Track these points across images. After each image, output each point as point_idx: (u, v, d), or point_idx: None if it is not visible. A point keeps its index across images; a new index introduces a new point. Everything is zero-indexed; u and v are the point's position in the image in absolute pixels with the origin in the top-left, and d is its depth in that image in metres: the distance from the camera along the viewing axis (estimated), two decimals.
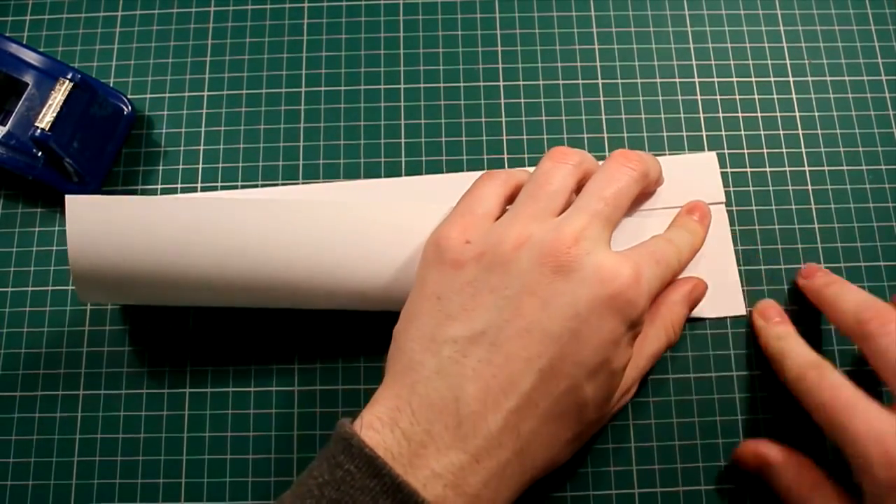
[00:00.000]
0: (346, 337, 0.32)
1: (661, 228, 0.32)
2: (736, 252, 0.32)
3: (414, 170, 0.34)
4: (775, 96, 0.35)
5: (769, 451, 0.28)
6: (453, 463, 0.22)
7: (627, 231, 0.32)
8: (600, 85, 0.35)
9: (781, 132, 0.34)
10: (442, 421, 0.23)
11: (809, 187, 0.34)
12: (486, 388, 0.23)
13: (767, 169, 0.34)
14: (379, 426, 0.23)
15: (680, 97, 0.35)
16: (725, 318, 0.32)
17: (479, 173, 0.33)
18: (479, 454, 0.23)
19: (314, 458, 0.24)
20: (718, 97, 0.35)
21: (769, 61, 0.35)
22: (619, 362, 0.25)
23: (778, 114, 0.35)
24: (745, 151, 0.34)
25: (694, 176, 0.33)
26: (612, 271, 0.24)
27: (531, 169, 0.28)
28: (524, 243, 0.25)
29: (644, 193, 0.31)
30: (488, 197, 0.27)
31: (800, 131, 0.34)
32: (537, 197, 0.26)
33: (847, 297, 0.29)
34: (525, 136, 0.34)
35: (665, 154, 0.34)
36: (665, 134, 0.34)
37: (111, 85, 0.35)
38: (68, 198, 0.27)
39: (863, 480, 0.24)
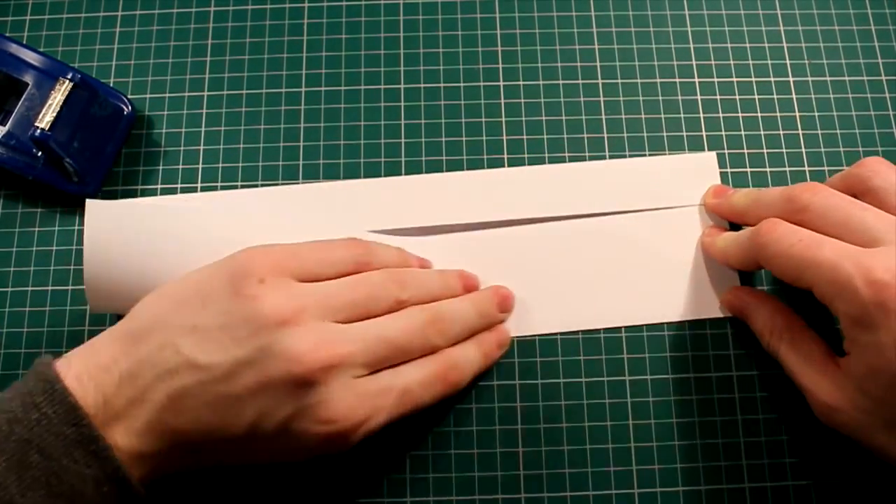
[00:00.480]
0: None
1: (661, 228, 0.32)
2: None
3: (414, 170, 0.34)
4: (775, 96, 0.35)
5: (747, 294, 0.30)
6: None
7: (626, 230, 0.32)
8: (600, 85, 0.35)
9: (781, 132, 0.34)
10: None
11: None
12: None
13: (767, 169, 0.34)
14: (86, 380, 0.23)
15: (680, 97, 0.35)
16: (726, 318, 0.32)
17: (479, 172, 0.33)
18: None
19: (6, 389, 0.24)
20: (718, 97, 0.35)
21: (769, 61, 0.35)
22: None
23: (778, 114, 0.35)
24: (745, 151, 0.34)
25: (694, 175, 0.33)
26: (330, 419, 0.25)
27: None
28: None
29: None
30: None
31: (800, 131, 0.34)
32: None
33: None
34: (525, 136, 0.34)
35: (665, 154, 0.34)
36: (665, 134, 0.34)
37: (111, 85, 0.35)
38: (89, 203, 0.28)
39: (841, 308, 0.24)
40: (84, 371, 0.24)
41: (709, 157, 0.34)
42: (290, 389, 0.24)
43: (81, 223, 0.33)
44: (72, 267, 0.33)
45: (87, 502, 0.22)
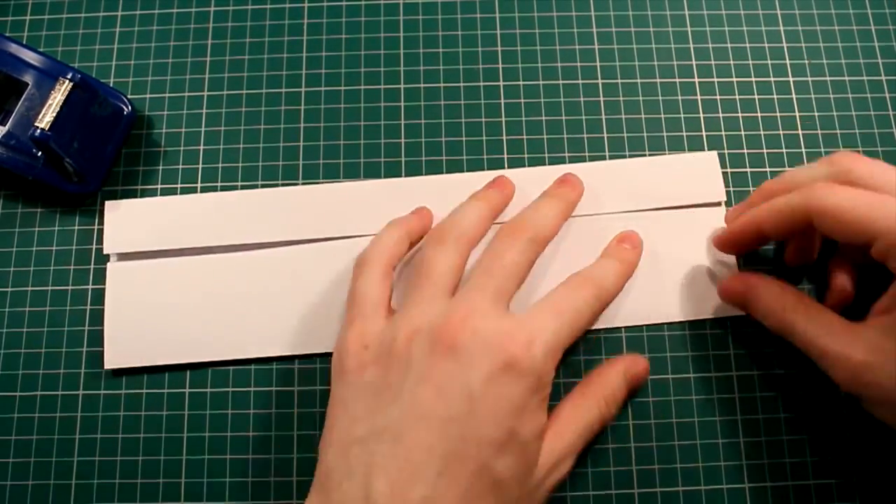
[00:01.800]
0: None
1: (661, 229, 0.32)
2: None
3: (414, 169, 0.34)
4: (775, 96, 0.35)
5: (751, 276, 0.29)
6: None
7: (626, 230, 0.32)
8: (600, 85, 0.35)
9: (781, 132, 0.34)
10: None
11: None
12: (393, 481, 0.23)
13: (767, 169, 0.34)
14: None
15: (680, 97, 0.35)
16: (726, 318, 0.32)
17: (482, 174, 0.33)
18: None
19: None
20: (718, 97, 0.35)
21: (769, 61, 0.35)
22: (528, 431, 0.24)
23: (778, 114, 0.35)
24: (745, 151, 0.34)
25: (694, 175, 0.33)
26: (501, 339, 0.24)
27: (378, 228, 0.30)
28: (415, 334, 0.25)
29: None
30: (371, 289, 0.28)
31: (800, 131, 0.34)
32: (422, 287, 0.27)
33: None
34: (525, 136, 0.34)
35: (665, 154, 0.34)
36: (665, 134, 0.34)
37: (111, 85, 0.35)
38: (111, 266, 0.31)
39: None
40: None
41: (709, 157, 0.34)
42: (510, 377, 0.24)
43: (81, 223, 0.33)
44: (72, 267, 0.33)
45: None
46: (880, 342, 0.25)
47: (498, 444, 0.24)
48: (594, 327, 0.32)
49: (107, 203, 0.33)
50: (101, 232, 0.33)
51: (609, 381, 0.29)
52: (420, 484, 0.23)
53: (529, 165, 0.34)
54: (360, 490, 0.23)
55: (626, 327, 0.32)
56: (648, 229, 0.32)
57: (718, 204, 0.33)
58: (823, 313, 0.27)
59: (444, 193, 0.32)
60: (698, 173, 0.33)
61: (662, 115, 0.35)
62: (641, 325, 0.32)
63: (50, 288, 0.33)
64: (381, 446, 0.24)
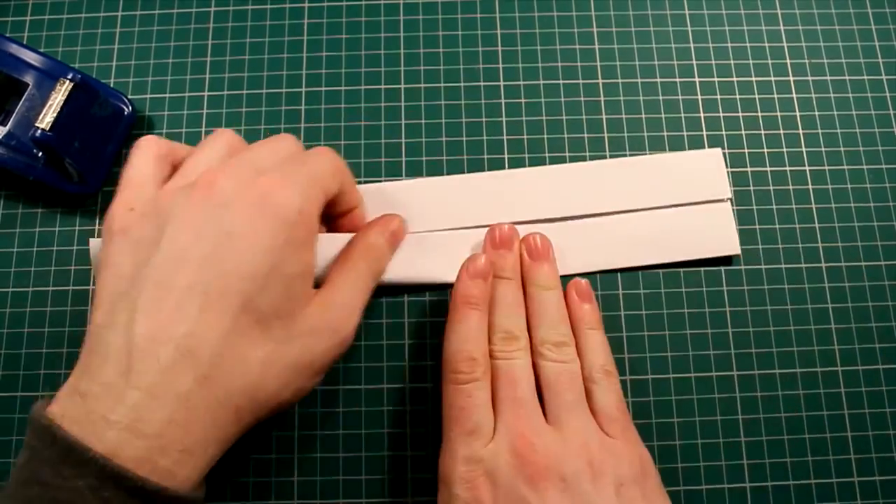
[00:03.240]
0: None
1: (668, 225, 0.32)
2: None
3: (415, 169, 0.34)
4: (775, 96, 0.35)
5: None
6: (127, 405, 0.22)
7: (628, 230, 0.32)
8: (600, 85, 0.35)
9: (782, 132, 0.34)
10: (114, 370, 0.22)
11: (810, 187, 0.34)
12: (155, 325, 0.23)
13: (768, 168, 0.34)
14: (62, 396, 0.23)
15: (680, 97, 0.35)
16: (726, 318, 0.32)
17: (481, 174, 0.33)
18: (153, 389, 0.22)
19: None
20: (719, 97, 0.35)
21: (769, 61, 0.35)
22: (291, 268, 0.25)
23: (778, 113, 0.35)
24: (746, 151, 0.34)
25: (700, 173, 0.33)
26: (258, 180, 0.25)
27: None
28: (176, 191, 0.25)
29: None
30: (143, 167, 0.28)
31: (800, 131, 0.34)
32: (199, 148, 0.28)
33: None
34: (525, 136, 0.34)
35: (666, 153, 0.34)
36: (665, 134, 0.34)
37: (111, 85, 0.35)
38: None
39: None
40: (60, 392, 0.23)
41: (714, 154, 0.33)
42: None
43: (82, 224, 0.33)
44: (72, 267, 0.33)
45: None
46: None
47: (260, 277, 0.24)
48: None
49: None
50: (101, 232, 0.33)
51: (372, 239, 0.30)
52: (182, 322, 0.23)
53: (530, 165, 0.34)
54: (121, 337, 0.23)
55: (625, 327, 0.32)
56: (654, 227, 0.32)
57: (724, 201, 0.33)
58: None
59: (450, 195, 0.32)
60: (704, 171, 0.33)
61: (663, 115, 0.35)
62: (642, 325, 0.32)
63: (50, 289, 0.33)
64: (144, 293, 0.23)
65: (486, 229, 0.32)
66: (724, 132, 0.34)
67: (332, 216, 0.30)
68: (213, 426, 0.23)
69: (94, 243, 0.31)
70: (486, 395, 0.27)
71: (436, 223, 0.32)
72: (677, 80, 0.35)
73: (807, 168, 0.34)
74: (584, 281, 0.31)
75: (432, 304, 0.32)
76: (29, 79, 0.32)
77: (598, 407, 0.27)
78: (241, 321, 0.24)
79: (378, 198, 0.32)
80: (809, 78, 0.35)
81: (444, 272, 0.32)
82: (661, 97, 0.35)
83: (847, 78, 0.35)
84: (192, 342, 0.23)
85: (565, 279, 0.32)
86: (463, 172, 0.34)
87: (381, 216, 0.31)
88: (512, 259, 0.31)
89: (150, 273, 0.24)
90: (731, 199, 0.33)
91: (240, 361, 0.24)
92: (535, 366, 0.28)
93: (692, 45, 0.36)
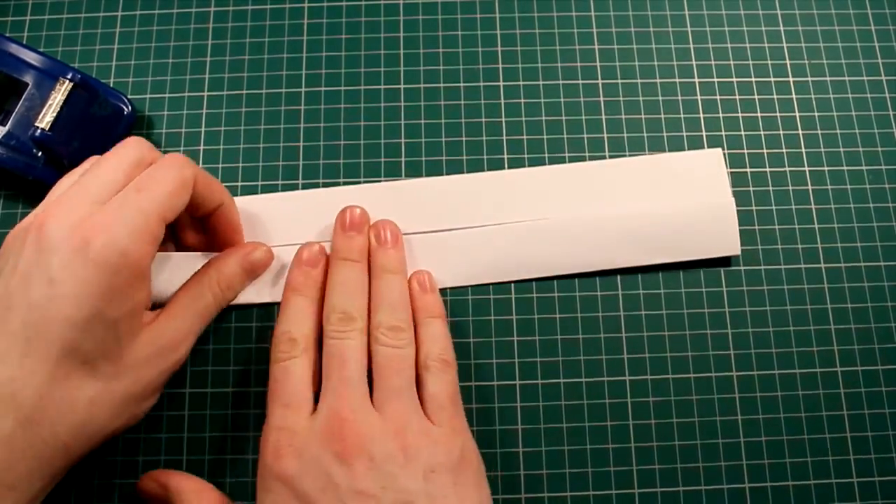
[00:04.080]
0: None
1: (669, 225, 0.32)
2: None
3: (414, 170, 0.34)
4: (775, 96, 0.35)
5: (171, 478, 0.28)
6: None
7: (629, 229, 0.32)
8: (600, 85, 0.35)
9: (781, 132, 0.34)
10: None
11: (809, 187, 0.34)
12: None
13: (767, 169, 0.34)
14: None
15: (680, 97, 0.35)
16: (725, 318, 0.32)
17: (482, 174, 0.33)
18: None
19: None
20: (718, 97, 0.35)
21: (769, 61, 0.35)
22: (115, 311, 0.25)
23: (778, 114, 0.35)
24: (745, 151, 0.34)
25: (700, 172, 0.33)
26: (82, 224, 0.25)
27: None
28: (20, 231, 0.26)
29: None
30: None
31: (800, 131, 0.34)
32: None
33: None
34: (525, 136, 0.34)
35: (666, 153, 0.34)
36: (665, 134, 0.34)
37: (111, 85, 0.35)
38: None
39: None
40: None
41: (714, 154, 0.33)
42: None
43: None
44: None
45: None
46: None
47: (81, 323, 0.24)
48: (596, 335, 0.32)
49: None
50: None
51: (226, 267, 0.30)
52: (5, 366, 0.24)
53: (529, 165, 0.34)
54: None
55: (625, 328, 0.32)
56: (655, 227, 0.32)
57: (725, 200, 0.33)
58: None
59: (449, 195, 0.32)
60: (703, 171, 0.33)
61: (662, 115, 0.35)
62: (642, 326, 0.32)
63: None
64: None
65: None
66: (723, 133, 0.34)
67: (201, 216, 0.30)
68: (39, 463, 0.24)
69: None
70: (305, 371, 0.28)
71: (423, 226, 0.32)
72: (677, 80, 0.35)
73: (806, 169, 0.34)
74: (427, 272, 0.31)
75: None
76: (28, 78, 0.32)
77: (427, 394, 0.28)
78: (64, 365, 0.24)
79: (390, 195, 0.33)
80: (809, 79, 0.35)
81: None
82: (660, 97, 0.35)
83: (847, 79, 0.35)
84: (14, 387, 0.24)
85: (566, 279, 0.32)
86: (462, 173, 0.34)
87: (246, 243, 0.31)
88: (360, 241, 0.31)
89: None
90: (732, 200, 0.33)
91: (65, 403, 0.25)
92: (370, 349, 0.28)
93: (692, 46, 0.36)
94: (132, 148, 0.28)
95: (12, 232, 0.26)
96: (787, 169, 0.34)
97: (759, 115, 0.35)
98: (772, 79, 0.35)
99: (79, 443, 0.25)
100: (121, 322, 0.25)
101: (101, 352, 0.25)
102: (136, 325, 0.26)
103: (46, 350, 0.24)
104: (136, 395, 0.27)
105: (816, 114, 0.35)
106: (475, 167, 0.34)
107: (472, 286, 0.32)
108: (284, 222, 0.33)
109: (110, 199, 0.26)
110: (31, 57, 0.33)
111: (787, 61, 0.35)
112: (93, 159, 0.29)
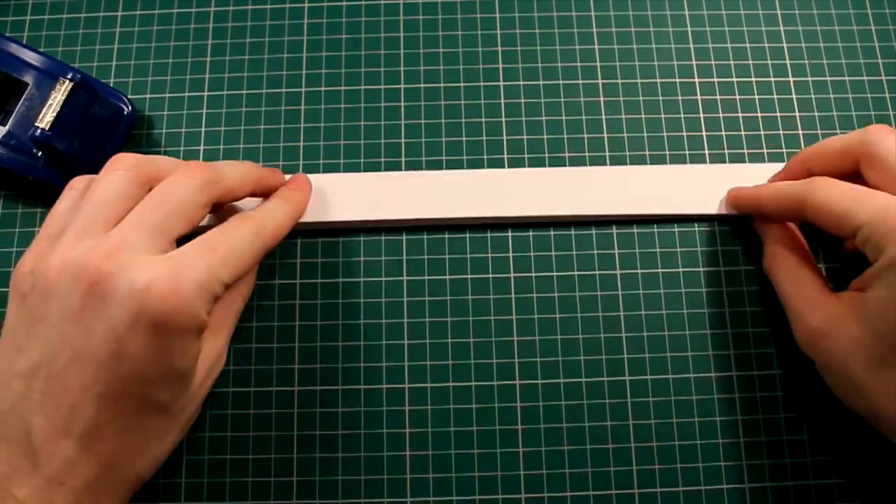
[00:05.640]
0: (347, 339, 0.32)
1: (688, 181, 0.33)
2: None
3: (414, 169, 0.34)
4: (775, 96, 0.35)
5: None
6: (36, 487, 0.23)
7: (648, 180, 0.32)
8: (600, 85, 0.35)
9: (781, 132, 0.34)
10: (20, 452, 0.23)
11: None
12: (53, 418, 0.23)
13: None
14: None
15: (680, 97, 0.35)
16: (725, 319, 0.32)
17: (482, 172, 0.33)
18: (60, 477, 0.23)
19: None
20: (718, 97, 0.35)
21: (769, 61, 0.35)
22: (184, 364, 0.25)
23: (778, 114, 0.35)
24: (745, 151, 0.34)
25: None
26: (146, 284, 0.23)
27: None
28: (66, 265, 0.24)
29: (225, 197, 0.28)
30: (60, 216, 0.26)
31: (800, 132, 0.34)
32: (82, 211, 0.25)
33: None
34: (525, 136, 0.34)
35: (665, 153, 0.34)
36: (665, 134, 0.34)
37: (111, 85, 0.35)
38: None
39: (890, 250, 0.24)
40: None
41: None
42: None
43: None
44: None
45: None
46: (839, 315, 0.27)
47: (156, 380, 0.24)
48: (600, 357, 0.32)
49: None
50: None
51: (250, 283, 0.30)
52: (80, 421, 0.24)
53: (529, 165, 0.34)
54: (21, 422, 0.24)
55: (625, 328, 0.32)
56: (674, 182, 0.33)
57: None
58: (804, 271, 0.29)
59: (452, 195, 0.32)
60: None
61: (662, 115, 0.35)
62: (642, 326, 0.32)
63: None
64: (37, 383, 0.24)
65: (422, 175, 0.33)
66: (723, 133, 0.34)
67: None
68: (119, 498, 0.26)
69: None
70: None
71: (441, 212, 0.32)
72: (677, 80, 0.35)
73: None
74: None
75: (431, 304, 0.32)
76: (28, 78, 0.32)
77: None
78: (138, 416, 0.25)
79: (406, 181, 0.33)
80: (809, 79, 0.35)
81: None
82: (660, 97, 0.35)
83: (847, 79, 0.35)
84: (93, 437, 0.24)
85: (566, 279, 0.32)
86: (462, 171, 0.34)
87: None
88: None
89: (44, 363, 0.24)
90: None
91: (142, 444, 0.26)
92: None
93: (692, 46, 0.36)
94: (180, 183, 0.26)
95: (50, 268, 0.24)
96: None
97: (759, 115, 0.35)
98: (772, 79, 0.35)
99: (153, 471, 0.27)
100: (189, 370, 0.26)
101: (172, 397, 0.26)
102: (196, 365, 0.26)
103: (122, 405, 0.24)
104: (195, 414, 0.28)
105: (816, 114, 0.35)
106: (475, 167, 0.34)
107: (471, 279, 0.32)
108: (343, 202, 0.32)
109: (177, 253, 0.25)
110: (31, 57, 0.33)
111: (787, 61, 0.35)
112: (81, 181, 0.27)
